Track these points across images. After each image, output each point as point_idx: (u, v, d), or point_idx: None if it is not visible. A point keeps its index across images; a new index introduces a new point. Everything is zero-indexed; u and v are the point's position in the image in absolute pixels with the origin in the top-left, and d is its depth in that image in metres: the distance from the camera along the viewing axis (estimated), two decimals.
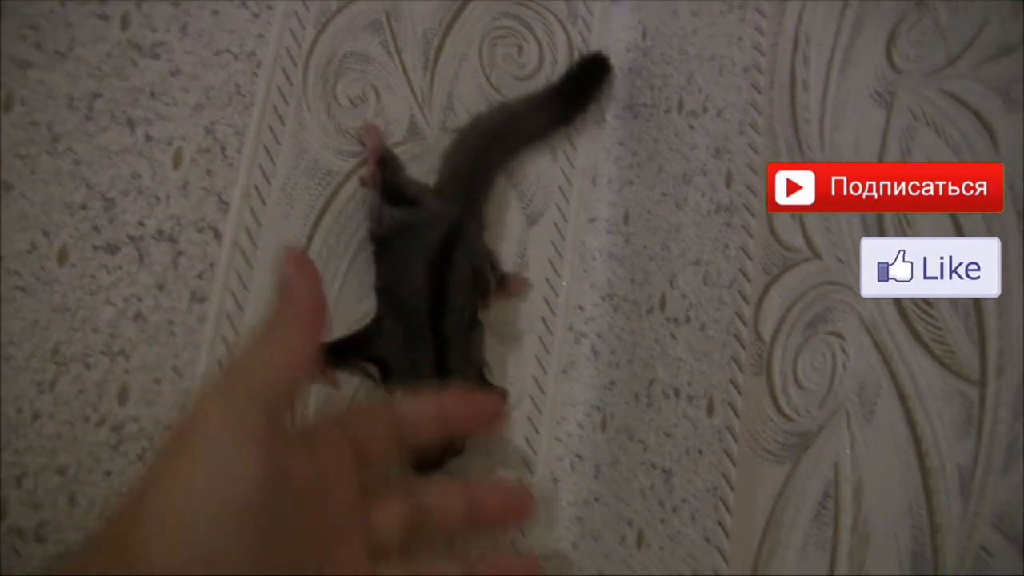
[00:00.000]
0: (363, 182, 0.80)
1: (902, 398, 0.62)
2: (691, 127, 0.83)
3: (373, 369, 0.71)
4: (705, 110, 0.82)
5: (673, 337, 0.78)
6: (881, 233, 0.66)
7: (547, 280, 0.85)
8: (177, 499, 0.52)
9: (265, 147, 0.78)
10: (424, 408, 0.65)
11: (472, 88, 0.87)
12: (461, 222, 0.76)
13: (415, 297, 0.71)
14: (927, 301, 0.62)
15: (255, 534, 0.53)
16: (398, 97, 0.85)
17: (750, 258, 0.74)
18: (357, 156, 0.81)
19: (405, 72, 0.85)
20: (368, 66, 0.84)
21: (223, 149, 0.76)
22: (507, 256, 0.84)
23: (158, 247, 0.72)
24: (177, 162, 0.74)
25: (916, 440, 0.61)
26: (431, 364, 0.68)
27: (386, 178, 0.78)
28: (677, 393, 0.77)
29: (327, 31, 0.84)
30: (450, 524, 0.66)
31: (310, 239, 0.78)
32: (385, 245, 0.75)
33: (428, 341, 0.69)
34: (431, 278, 0.72)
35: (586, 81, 0.89)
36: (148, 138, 0.74)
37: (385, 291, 0.73)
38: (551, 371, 0.83)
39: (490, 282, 0.77)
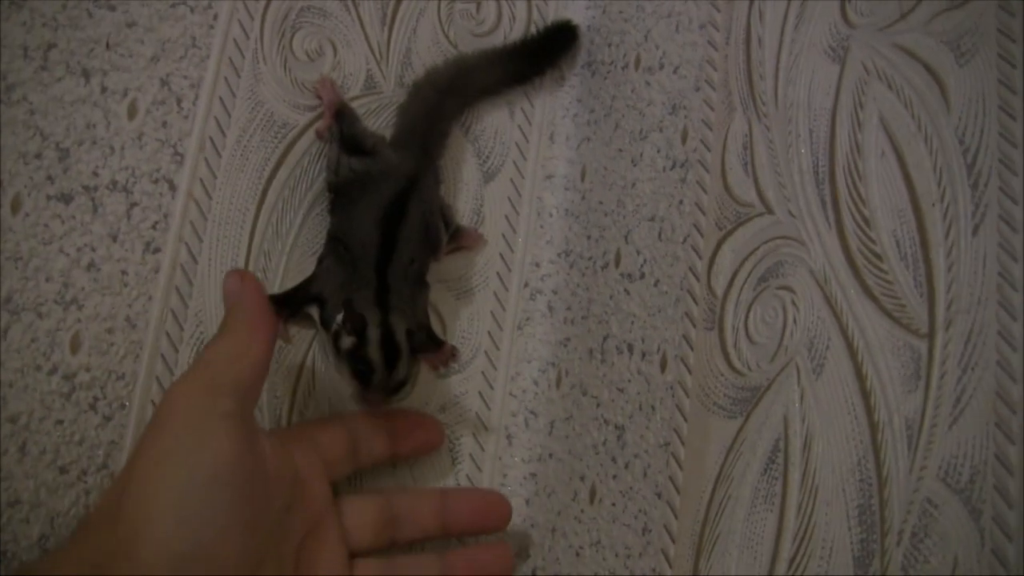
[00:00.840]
0: (319, 135, 0.80)
1: (851, 352, 0.62)
2: (648, 83, 0.83)
3: (314, 310, 0.70)
4: (662, 67, 0.82)
5: (627, 293, 0.78)
6: (833, 186, 0.65)
7: (503, 236, 0.85)
8: (160, 474, 0.54)
9: (221, 99, 0.78)
10: (374, 424, 0.71)
11: (430, 44, 0.87)
12: (417, 174, 0.75)
13: (365, 244, 0.71)
14: (877, 254, 0.62)
15: (239, 507, 0.55)
16: (355, 52, 0.84)
17: (704, 213, 0.73)
18: (313, 110, 0.81)
19: (362, 27, 0.85)
20: (325, 20, 0.83)
21: (178, 101, 0.76)
22: (463, 212, 0.84)
23: (112, 197, 0.71)
24: (132, 113, 0.73)
25: (865, 394, 0.61)
26: (372, 302, 0.67)
27: (343, 130, 0.77)
28: (631, 349, 0.77)
29: None
30: (424, 531, 0.69)
31: (264, 192, 0.77)
32: (341, 194, 0.75)
33: (371, 284, 0.69)
34: (383, 227, 0.71)
35: (551, 46, 0.89)
36: (103, 89, 0.74)
37: (336, 239, 0.73)
38: (506, 327, 0.83)
39: (441, 238, 0.76)
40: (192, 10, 0.78)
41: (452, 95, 0.82)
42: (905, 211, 0.65)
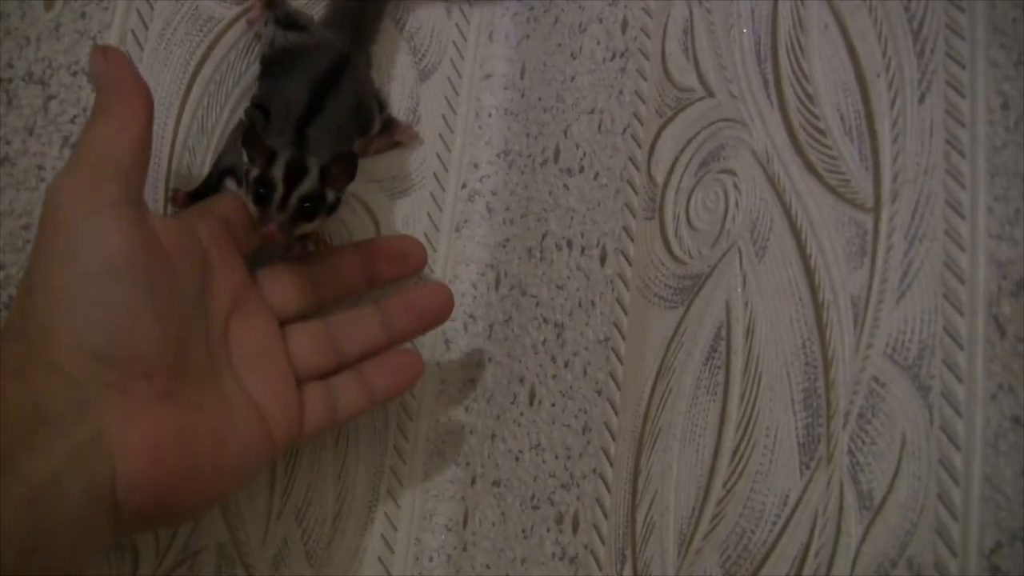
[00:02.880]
0: (250, 23, 0.77)
1: (795, 231, 0.60)
2: None
3: (231, 182, 0.67)
4: None
5: (566, 188, 0.76)
6: (775, 64, 0.63)
7: (440, 136, 0.82)
8: (56, 275, 0.52)
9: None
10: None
11: None
12: (350, 53, 0.72)
13: (289, 106, 0.67)
14: (820, 130, 0.59)
15: (144, 294, 0.54)
16: None
17: (644, 102, 0.71)
18: (240, 2, 0.77)
19: None
20: None
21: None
22: (399, 111, 0.81)
23: (27, 90, 0.68)
24: (49, 3, 0.70)
25: (808, 273, 0.59)
26: (288, 144, 0.64)
27: (277, 10, 0.74)
28: (570, 244, 0.74)
29: None
30: (348, 286, 0.71)
31: (189, 87, 0.75)
32: (273, 64, 0.72)
33: (289, 135, 0.65)
34: (312, 92, 0.68)
35: None
36: None
37: (257, 106, 0.70)
38: (443, 229, 0.80)
39: (374, 117, 0.73)
40: None
41: None
42: (849, 84, 0.62)
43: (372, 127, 0.74)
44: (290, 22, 0.75)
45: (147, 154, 0.58)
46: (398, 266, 0.71)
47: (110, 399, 0.50)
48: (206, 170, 0.74)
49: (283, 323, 0.67)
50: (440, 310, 0.71)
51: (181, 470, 0.55)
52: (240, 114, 0.75)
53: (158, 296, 0.55)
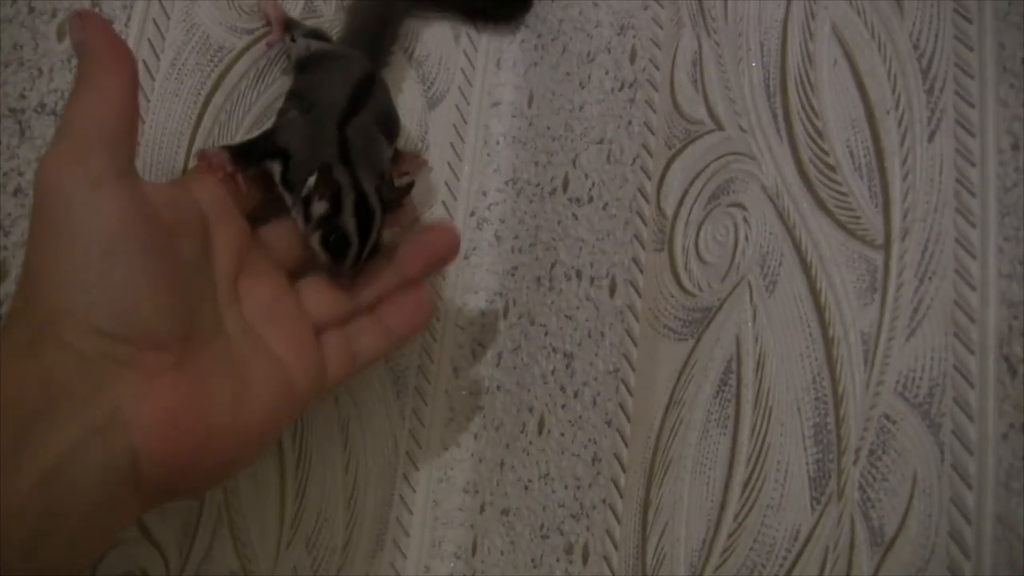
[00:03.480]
0: (270, 46, 0.77)
1: (805, 267, 0.60)
2: (596, 5, 0.81)
3: (276, 166, 0.67)
4: None
5: (575, 218, 0.76)
6: (784, 98, 0.63)
7: (448, 165, 0.83)
8: (56, 257, 0.52)
9: (154, 21, 0.75)
10: None
11: None
12: (375, 71, 0.73)
13: (329, 103, 0.67)
14: (830, 166, 0.60)
15: (146, 264, 0.53)
16: None
17: (653, 133, 0.71)
18: (251, 33, 0.78)
19: None
20: None
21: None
22: (408, 139, 0.82)
23: (40, 120, 0.69)
24: (61, 35, 0.71)
25: (819, 309, 0.59)
26: (336, 158, 0.64)
27: (298, 28, 0.75)
28: (579, 275, 0.75)
29: None
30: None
31: (200, 116, 0.75)
32: (312, 62, 0.73)
33: (333, 140, 0.66)
34: (351, 93, 0.69)
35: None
36: (31, 9, 0.71)
37: (299, 93, 0.70)
38: None
39: (398, 127, 0.74)
40: None
41: None
42: (859, 120, 0.63)
43: (397, 135, 0.74)
44: (317, 35, 0.76)
45: (134, 123, 0.56)
46: (430, 260, 0.71)
47: (123, 375, 0.50)
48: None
49: (293, 277, 0.66)
50: (449, 251, 0.71)
51: (201, 437, 0.54)
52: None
53: (161, 266, 0.55)
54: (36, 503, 0.47)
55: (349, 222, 0.62)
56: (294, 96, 0.71)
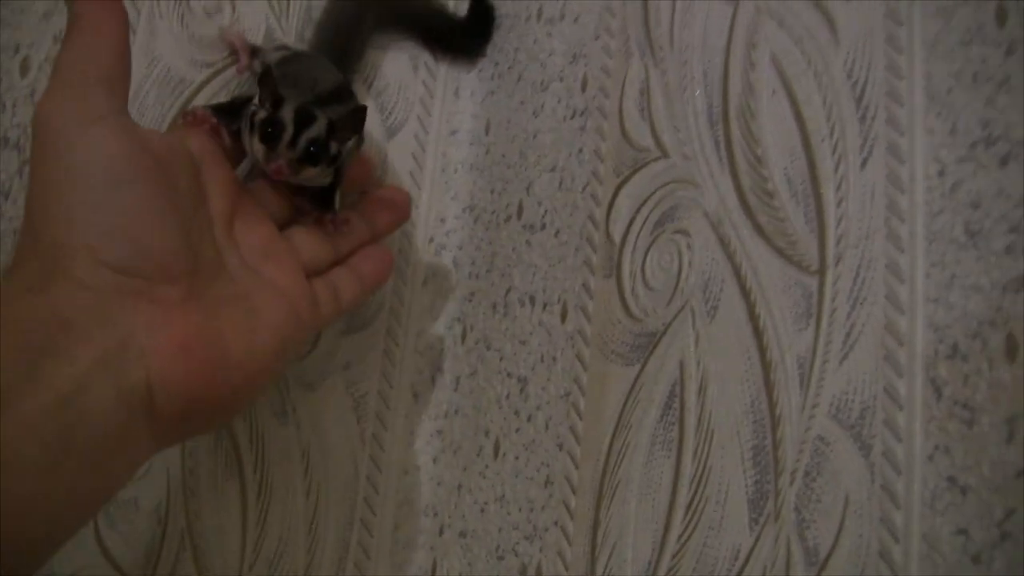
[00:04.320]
0: (240, 72, 0.78)
1: (744, 292, 0.61)
2: (549, 34, 0.82)
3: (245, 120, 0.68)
4: (563, 16, 0.81)
5: (529, 244, 0.77)
6: (726, 126, 0.65)
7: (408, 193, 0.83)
8: (62, 192, 0.53)
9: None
10: None
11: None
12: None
13: (305, 85, 0.69)
14: (769, 192, 0.61)
15: (152, 200, 0.55)
16: (254, 7, 0.83)
17: (602, 161, 0.73)
18: (211, 66, 0.79)
19: None
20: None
21: None
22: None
23: (5, 154, 0.70)
24: (24, 70, 0.72)
25: (757, 334, 0.60)
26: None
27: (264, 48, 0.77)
28: (532, 300, 0.76)
29: None
30: None
31: None
32: (280, 65, 0.73)
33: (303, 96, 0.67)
34: (325, 83, 0.71)
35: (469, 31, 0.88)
36: None
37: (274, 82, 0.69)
38: (411, 283, 0.82)
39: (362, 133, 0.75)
40: None
41: (372, 7, 0.80)
42: (796, 148, 0.64)
43: (361, 137, 0.75)
44: (285, 47, 0.77)
45: (128, 64, 0.58)
46: (393, 214, 0.75)
47: (135, 306, 0.51)
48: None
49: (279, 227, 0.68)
50: (406, 204, 0.76)
51: (214, 365, 0.56)
52: None
53: (165, 200, 0.56)
54: (52, 425, 0.48)
55: (286, 115, 0.64)
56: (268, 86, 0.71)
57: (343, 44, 0.80)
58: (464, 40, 0.89)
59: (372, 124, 0.85)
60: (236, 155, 0.68)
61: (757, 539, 0.60)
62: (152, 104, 0.77)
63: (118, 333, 0.52)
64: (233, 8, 0.82)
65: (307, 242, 0.69)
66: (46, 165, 0.55)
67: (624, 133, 0.74)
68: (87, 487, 0.52)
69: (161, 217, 0.56)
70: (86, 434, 0.50)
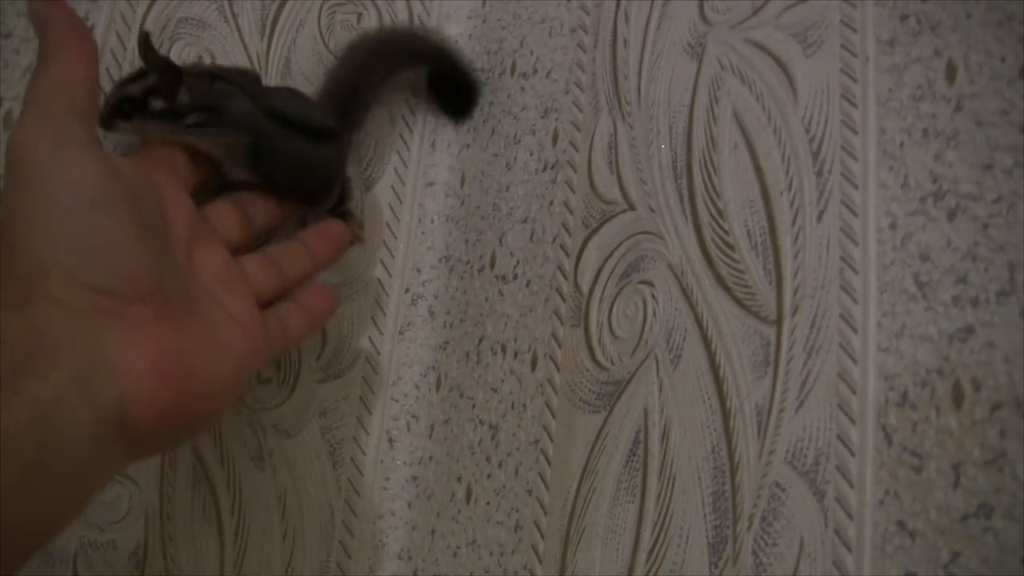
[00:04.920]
0: None
1: (706, 341, 0.63)
2: (522, 88, 0.84)
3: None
4: (535, 71, 0.83)
5: (501, 294, 0.79)
6: (689, 180, 0.66)
7: (384, 243, 0.85)
8: (39, 214, 0.54)
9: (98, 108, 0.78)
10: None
11: (310, 55, 0.87)
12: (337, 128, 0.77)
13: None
14: (730, 244, 0.63)
15: (125, 224, 0.56)
16: (233, 62, 0.84)
17: (572, 213, 0.74)
18: None
19: (241, 37, 0.85)
20: (204, 31, 0.84)
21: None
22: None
23: None
24: (8, 123, 0.74)
25: (718, 382, 0.62)
26: None
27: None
28: (504, 349, 0.77)
29: None
30: (273, 217, 0.73)
31: None
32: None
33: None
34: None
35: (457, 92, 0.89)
36: None
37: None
38: (387, 332, 0.83)
39: (335, 193, 0.77)
40: None
41: (382, 58, 0.82)
42: (755, 201, 0.66)
43: (330, 197, 0.77)
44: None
45: (97, 94, 0.61)
46: (331, 245, 0.76)
47: (109, 325, 0.52)
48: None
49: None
50: (345, 235, 0.77)
51: (183, 385, 0.57)
52: None
53: (136, 225, 0.57)
54: (31, 440, 0.50)
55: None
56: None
57: (351, 92, 0.81)
58: (464, 96, 0.91)
59: (350, 175, 0.87)
60: (195, 174, 0.70)
61: None
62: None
63: (92, 351, 0.53)
64: (213, 61, 0.84)
65: (256, 271, 0.70)
66: (22, 188, 0.56)
67: (593, 186, 0.76)
68: (60, 502, 0.53)
69: (133, 240, 0.57)
70: (61, 450, 0.51)
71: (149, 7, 0.83)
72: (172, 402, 0.57)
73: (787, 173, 0.65)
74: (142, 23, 0.82)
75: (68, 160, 0.57)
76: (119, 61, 0.80)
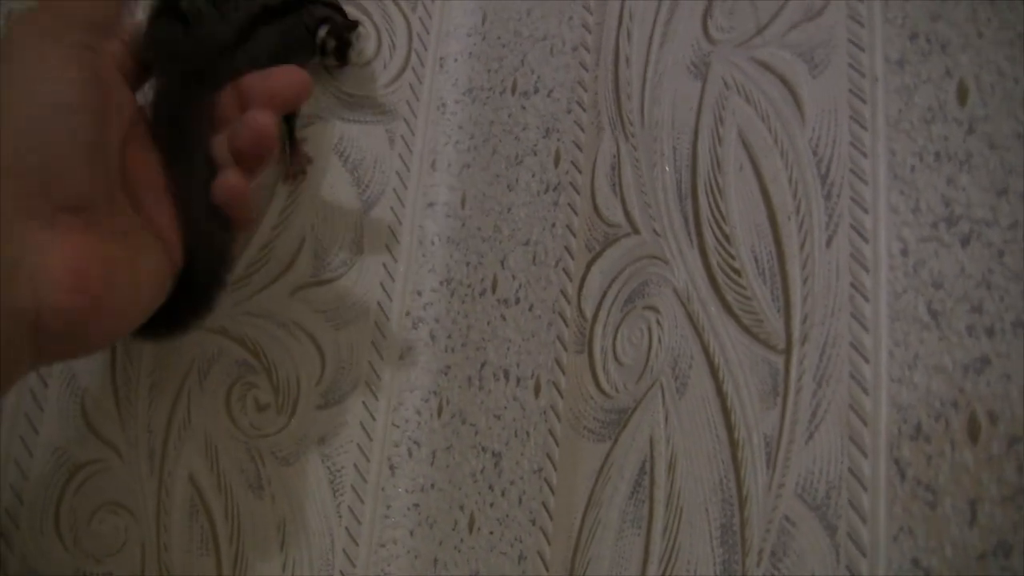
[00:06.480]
0: None
1: (712, 369, 0.61)
2: (523, 108, 0.82)
3: None
4: (536, 90, 0.82)
5: (503, 318, 0.77)
6: (695, 202, 0.65)
7: (384, 266, 0.84)
8: (10, 101, 0.54)
9: None
10: None
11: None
12: None
13: None
14: (736, 270, 0.61)
15: (92, 128, 0.57)
16: None
17: (575, 236, 0.73)
18: None
19: None
20: None
21: None
22: (342, 243, 0.83)
23: None
24: None
25: (725, 412, 0.60)
26: None
27: None
28: (507, 375, 0.76)
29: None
30: None
31: None
32: None
33: None
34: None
35: None
36: None
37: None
38: (388, 357, 0.82)
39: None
40: None
41: None
42: (762, 225, 0.64)
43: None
44: None
45: (119, 13, 0.60)
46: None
47: (35, 228, 0.53)
48: None
49: None
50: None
51: (100, 294, 0.57)
52: None
53: (96, 134, 0.58)
54: None
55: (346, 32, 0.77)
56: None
57: None
58: None
59: (348, 198, 0.85)
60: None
61: None
62: None
63: (14, 249, 0.53)
64: None
65: None
66: (3, 72, 0.56)
67: (596, 208, 0.74)
68: None
69: (84, 151, 0.57)
70: None
71: None
72: (90, 312, 0.57)
73: (795, 196, 0.64)
74: None
75: (55, 59, 0.57)
76: None
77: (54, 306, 0.52)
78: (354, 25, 0.79)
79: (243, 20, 0.72)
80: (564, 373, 0.72)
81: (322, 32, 0.75)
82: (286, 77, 0.70)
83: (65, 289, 0.53)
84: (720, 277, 0.66)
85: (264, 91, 0.69)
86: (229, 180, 0.66)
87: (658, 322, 0.68)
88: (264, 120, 0.67)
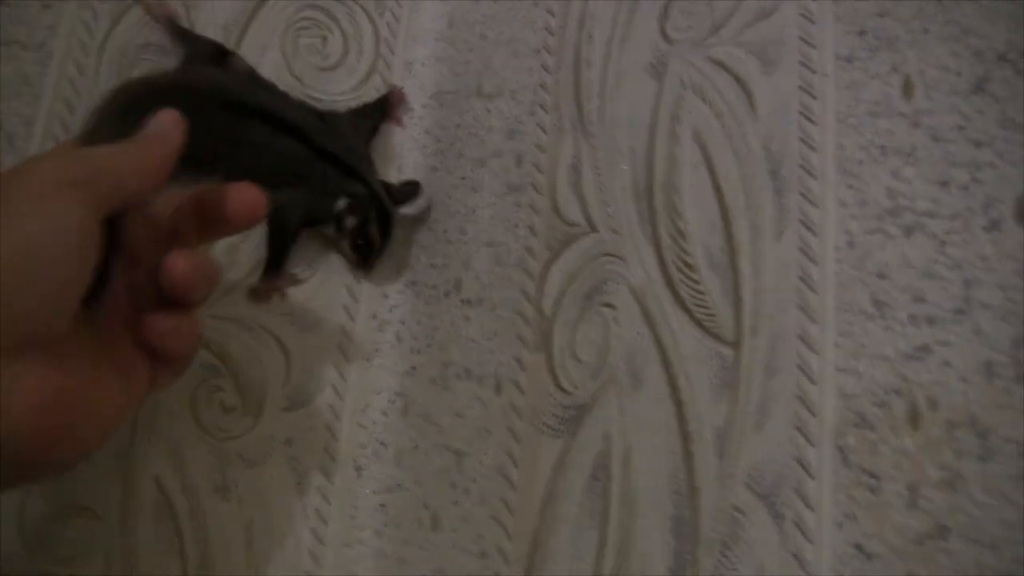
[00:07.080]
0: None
1: (666, 364, 0.62)
2: (488, 111, 0.83)
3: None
4: (500, 93, 0.82)
5: (467, 319, 0.78)
6: (651, 200, 0.66)
7: (349, 271, 0.84)
8: (6, 239, 0.53)
9: (55, 139, 0.78)
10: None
11: (273, 78, 0.86)
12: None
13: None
14: (690, 265, 0.62)
15: (75, 274, 0.56)
16: None
17: (536, 236, 0.74)
18: None
19: None
20: (166, 57, 0.83)
21: (10, 139, 0.75)
22: (310, 246, 0.83)
23: None
24: None
25: (678, 405, 0.61)
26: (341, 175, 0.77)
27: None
28: (469, 374, 0.76)
29: (122, 22, 0.83)
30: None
31: None
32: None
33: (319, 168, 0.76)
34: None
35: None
36: None
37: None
38: (354, 359, 0.82)
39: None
40: (25, 48, 0.77)
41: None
42: (715, 221, 0.65)
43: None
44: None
45: (145, 188, 0.60)
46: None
47: (3, 364, 0.53)
48: None
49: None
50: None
51: (60, 430, 0.57)
52: None
53: (74, 278, 0.57)
54: None
55: (375, 232, 0.76)
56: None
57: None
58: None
59: None
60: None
61: None
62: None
63: None
64: None
65: None
66: (6, 201, 0.55)
67: (556, 208, 0.75)
68: None
69: (62, 295, 0.57)
70: None
71: (109, 32, 0.82)
72: (47, 444, 0.57)
73: (747, 193, 0.64)
74: (102, 47, 0.81)
75: (56, 208, 0.56)
76: (76, 88, 0.79)
77: (14, 440, 0.54)
78: (387, 228, 0.78)
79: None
80: (524, 371, 0.73)
81: (341, 204, 0.75)
82: (237, 197, 0.67)
83: (24, 422, 0.55)
84: (674, 273, 0.67)
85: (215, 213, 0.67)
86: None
87: (615, 319, 0.69)
88: (180, 265, 0.65)
